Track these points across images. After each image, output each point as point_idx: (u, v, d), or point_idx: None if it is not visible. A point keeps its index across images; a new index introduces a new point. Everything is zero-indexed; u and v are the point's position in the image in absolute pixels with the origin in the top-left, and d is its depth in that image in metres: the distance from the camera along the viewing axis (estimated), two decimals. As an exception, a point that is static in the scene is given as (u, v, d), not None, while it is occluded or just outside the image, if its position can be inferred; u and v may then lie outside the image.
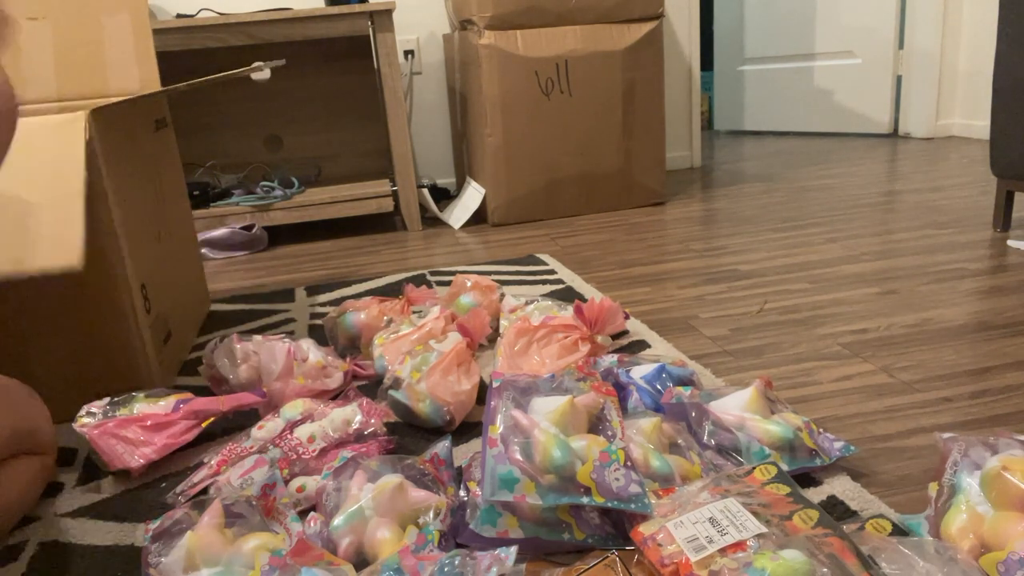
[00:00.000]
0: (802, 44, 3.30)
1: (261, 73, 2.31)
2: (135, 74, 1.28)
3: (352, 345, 1.21)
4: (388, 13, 1.98)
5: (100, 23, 1.26)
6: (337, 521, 0.69)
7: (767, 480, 0.70)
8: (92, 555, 0.77)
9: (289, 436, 0.86)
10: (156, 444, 0.91)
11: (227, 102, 2.34)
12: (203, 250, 2.02)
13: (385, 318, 1.20)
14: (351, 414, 0.88)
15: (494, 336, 1.25)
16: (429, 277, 1.66)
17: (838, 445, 0.82)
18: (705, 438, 0.81)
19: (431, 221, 2.27)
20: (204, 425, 0.96)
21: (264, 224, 2.07)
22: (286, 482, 0.81)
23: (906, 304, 1.28)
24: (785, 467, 0.77)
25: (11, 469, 0.82)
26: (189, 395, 0.97)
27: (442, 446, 0.80)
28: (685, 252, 1.72)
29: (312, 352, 1.07)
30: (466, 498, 0.74)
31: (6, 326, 1.03)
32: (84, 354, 1.05)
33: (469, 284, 1.30)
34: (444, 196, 2.52)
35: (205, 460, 0.93)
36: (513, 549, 0.61)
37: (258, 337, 1.08)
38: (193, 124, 2.34)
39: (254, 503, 0.72)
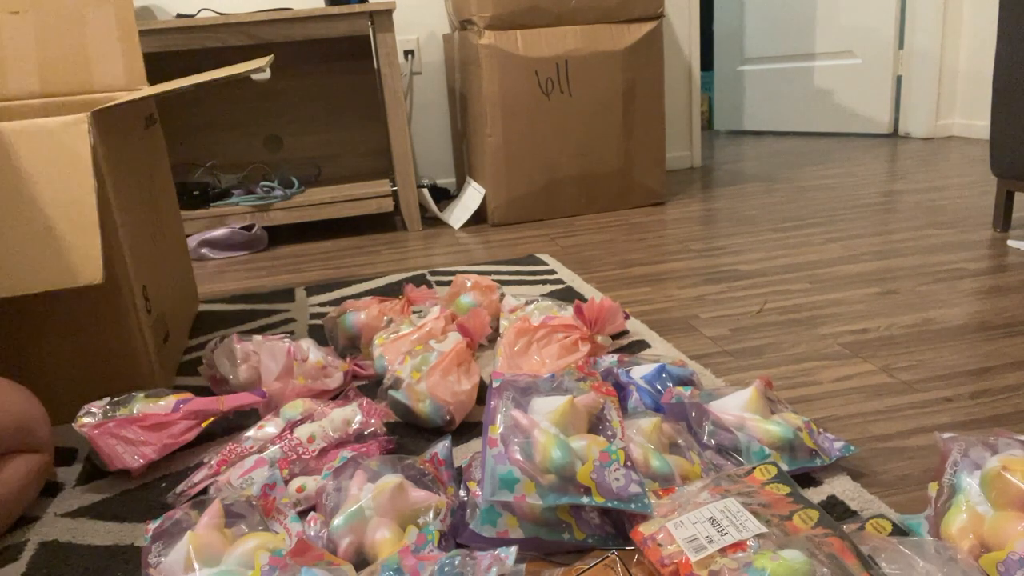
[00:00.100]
0: (802, 44, 3.30)
1: (261, 73, 2.31)
2: (120, 68, 1.26)
3: (352, 345, 1.21)
4: (388, 13, 1.98)
5: (84, 16, 1.23)
6: (337, 521, 0.69)
7: (767, 480, 0.70)
8: (92, 555, 0.77)
9: (289, 436, 0.86)
10: (156, 444, 0.91)
11: (227, 102, 2.34)
12: (203, 250, 2.01)
13: (385, 318, 1.20)
14: (351, 414, 0.88)
15: (494, 336, 1.25)
16: (429, 277, 1.66)
17: (838, 445, 0.82)
18: (705, 438, 0.81)
19: (431, 221, 2.27)
20: (204, 425, 0.96)
21: (264, 224, 2.07)
22: (286, 482, 0.81)
23: (906, 304, 1.28)
24: (785, 467, 0.77)
25: (7, 466, 0.82)
26: (189, 395, 0.97)
27: (442, 446, 0.80)
28: (685, 252, 1.72)
29: (312, 352, 1.07)
30: (466, 498, 0.74)
31: (9, 328, 1.02)
32: (87, 356, 1.05)
33: (469, 284, 1.30)
34: (444, 196, 2.52)
35: (205, 460, 0.93)
36: (513, 549, 0.61)
37: (258, 337, 1.08)
38: (193, 124, 2.34)
39: (254, 503, 0.72)
